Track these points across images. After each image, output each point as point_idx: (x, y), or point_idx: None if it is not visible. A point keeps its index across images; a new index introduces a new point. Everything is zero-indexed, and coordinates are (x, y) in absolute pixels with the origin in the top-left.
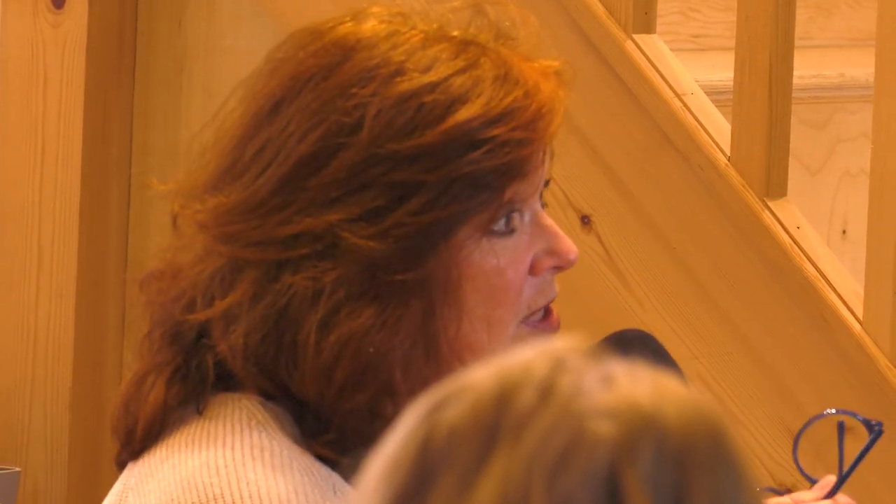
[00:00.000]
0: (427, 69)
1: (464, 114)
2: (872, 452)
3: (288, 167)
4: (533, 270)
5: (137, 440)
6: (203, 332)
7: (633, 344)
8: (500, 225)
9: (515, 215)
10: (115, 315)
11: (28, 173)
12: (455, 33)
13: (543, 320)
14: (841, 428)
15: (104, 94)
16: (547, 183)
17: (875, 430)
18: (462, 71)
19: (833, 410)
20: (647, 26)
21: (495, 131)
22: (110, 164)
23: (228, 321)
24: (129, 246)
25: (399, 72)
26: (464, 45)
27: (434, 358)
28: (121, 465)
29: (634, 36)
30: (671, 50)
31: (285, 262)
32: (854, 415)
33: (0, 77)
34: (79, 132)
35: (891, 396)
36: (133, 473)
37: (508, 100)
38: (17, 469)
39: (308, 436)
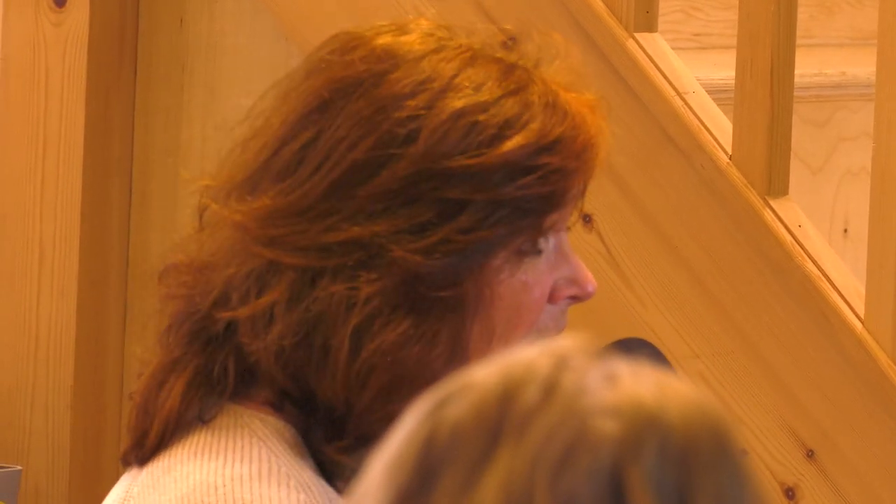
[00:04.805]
0: (479, 87)
1: (519, 139)
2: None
3: (338, 174)
4: (552, 298)
5: (148, 447)
6: (229, 328)
7: (634, 348)
8: (527, 245)
9: (541, 239)
10: (116, 314)
11: (29, 172)
12: (499, 55)
13: None
14: None
15: (105, 93)
16: None
17: None
18: (513, 93)
19: None
20: (649, 25)
21: (547, 159)
22: (112, 162)
23: (263, 321)
24: (130, 245)
25: (450, 87)
26: (511, 67)
27: None
28: (126, 464)
29: (636, 34)
30: (672, 48)
31: (324, 268)
32: None
33: (1, 76)
34: (80, 131)
35: (892, 395)
36: (136, 482)
37: (560, 129)
38: (19, 468)
39: (318, 442)
